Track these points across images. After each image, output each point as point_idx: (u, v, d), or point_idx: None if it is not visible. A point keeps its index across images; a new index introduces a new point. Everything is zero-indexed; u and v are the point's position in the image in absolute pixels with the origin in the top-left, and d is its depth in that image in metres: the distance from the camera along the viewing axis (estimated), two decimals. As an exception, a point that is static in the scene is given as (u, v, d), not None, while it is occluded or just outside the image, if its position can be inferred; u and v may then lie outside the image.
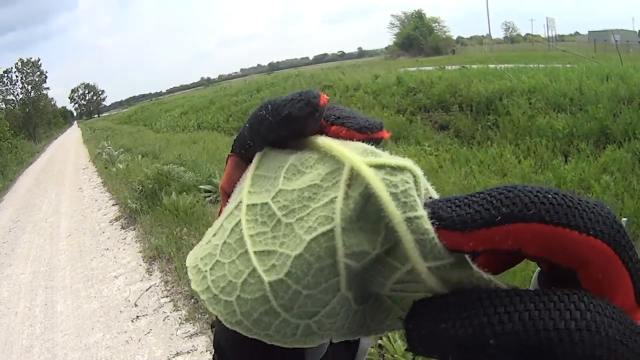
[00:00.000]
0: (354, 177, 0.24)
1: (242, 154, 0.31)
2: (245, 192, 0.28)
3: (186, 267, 0.29)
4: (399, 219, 0.22)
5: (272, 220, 0.25)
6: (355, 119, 0.29)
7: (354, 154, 0.25)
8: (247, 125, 0.30)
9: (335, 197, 0.24)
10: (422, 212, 0.22)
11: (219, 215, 0.35)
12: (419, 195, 0.23)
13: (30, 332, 3.46)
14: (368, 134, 0.28)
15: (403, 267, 0.23)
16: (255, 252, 0.25)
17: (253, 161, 0.29)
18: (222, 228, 0.28)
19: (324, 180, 0.25)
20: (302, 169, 0.27)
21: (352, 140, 0.28)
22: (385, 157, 0.25)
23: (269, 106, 0.28)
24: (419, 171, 0.24)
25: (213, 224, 0.30)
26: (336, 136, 0.28)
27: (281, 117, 0.27)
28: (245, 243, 0.25)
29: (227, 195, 0.32)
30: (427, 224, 0.22)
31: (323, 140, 0.27)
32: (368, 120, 0.29)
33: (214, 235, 0.28)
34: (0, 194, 11.17)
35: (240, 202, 0.28)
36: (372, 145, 0.28)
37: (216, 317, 0.29)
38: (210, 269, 0.26)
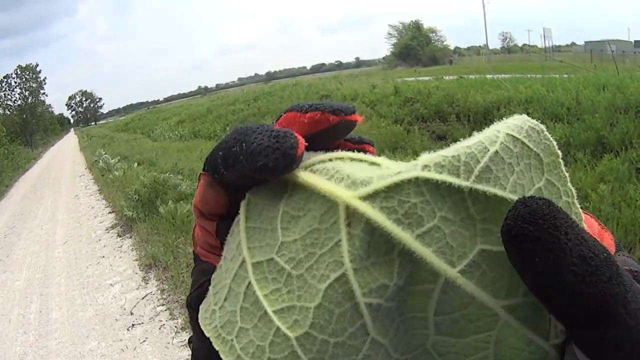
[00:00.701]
0: (351, 214, 0.24)
1: (215, 178, 0.30)
2: (244, 249, 0.27)
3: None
4: (410, 240, 0.22)
5: (282, 275, 0.25)
6: (328, 103, 0.29)
7: (343, 188, 0.25)
8: (220, 153, 0.28)
9: (340, 240, 0.24)
10: (431, 223, 0.22)
11: (194, 232, 0.34)
12: (425, 203, 0.23)
13: (24, 339, 3.43)
14: (342, 115, 0.29)
15: (436, 284, 0.23)
16: (274, 312, 0.25)
17: (240, 212, 0.29)
18: (233, 291, 0.27)
19: (322, 222, 0.25)
20: (295, 212, 0.26)
21: (328, 128, 0.29)
22: (375, 180, 0.24)
23: (244, 145, 0.26)
24: (411, 173, 0.23)
25: (213, 278, 0.29)
26: (312, 122, 0.28)
27: (256, 167, 0.25)
28: (262, 304, 0.25)
29: (202, 213, 0.32)
30: (439, 232, 0.22)
31: (303, 178, 0.26)
32: (340, 104, 0.29)
33: (226, 299, 0.27)
34: (-4, 201, 11.12)
35: (244, 261, 0.27)
36: (348, 133, 0.30)
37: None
38: (236, 336, 0.26)
